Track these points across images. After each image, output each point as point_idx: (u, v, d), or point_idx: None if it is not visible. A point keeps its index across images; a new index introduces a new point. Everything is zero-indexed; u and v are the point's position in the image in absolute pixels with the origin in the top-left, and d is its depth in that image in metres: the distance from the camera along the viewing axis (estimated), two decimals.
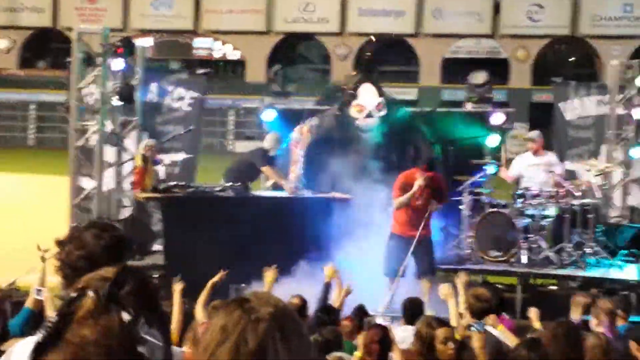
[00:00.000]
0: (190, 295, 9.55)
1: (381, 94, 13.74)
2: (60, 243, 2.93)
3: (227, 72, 48.23)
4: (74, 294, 1.69)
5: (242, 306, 1.92)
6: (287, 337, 1.91)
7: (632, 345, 6.29)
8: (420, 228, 11.14)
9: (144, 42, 30.10)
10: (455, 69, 39.31)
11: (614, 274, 12.03)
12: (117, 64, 13.01)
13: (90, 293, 1.65)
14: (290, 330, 1.93)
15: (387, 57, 45.19)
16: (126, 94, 12.98)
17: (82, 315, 1.63)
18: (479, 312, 7.09)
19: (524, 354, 5.42)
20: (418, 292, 9.84)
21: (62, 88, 27.51)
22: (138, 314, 1.66)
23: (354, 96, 13.49)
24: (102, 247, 2.77)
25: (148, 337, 1.69)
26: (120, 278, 1.66)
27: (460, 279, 8.11)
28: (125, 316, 1.64)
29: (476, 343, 5.86)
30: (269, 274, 8.10)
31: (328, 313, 7.65)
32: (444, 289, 7.92)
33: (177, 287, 7.72)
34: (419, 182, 11.10)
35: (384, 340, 6.03)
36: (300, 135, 13.50)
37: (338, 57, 45.69)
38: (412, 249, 11.05)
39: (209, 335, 1.92)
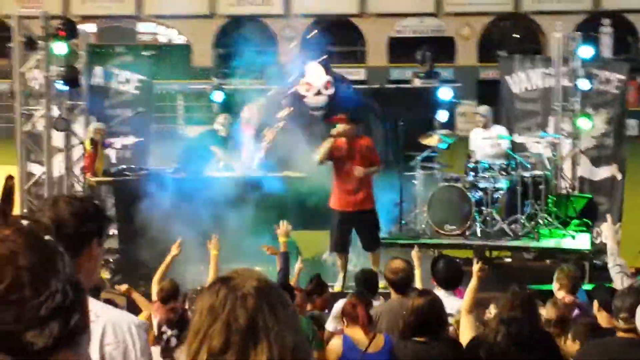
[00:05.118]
0: (145, 278, 9.46)
1: (329, 72, 13.71)
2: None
3: (173, 57, 47.69)
4: None
5: (227, 284, 1.96)
6: (274, 308, 1.95)
7: (595, 304, 6.34)
8: (359, 200, 11.07)
9: (87, 28, 29.68)
10: (402, 49, 39.34)
11: (567, 243, 12.16)
12: (60, 47, 12.76)
13: None
14: (275, 301, 1.97)
15: (333, 38, 44.96)
16: (71, 78, 12.74)
17: None
18: (400, 285, 7.07)
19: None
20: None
21: (4, 77, 26.87)
22: None
23: (301, 75, 13.46)
24: (70, 214, 2.90)
25: None
26: None
27: (415, 254, 8.07)
28: None
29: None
30: (212, 246, 7.89)
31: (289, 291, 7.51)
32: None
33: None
34: (333, 130, 11.00)
35: (368, 306, 6.04)
36: (250, 115, 13.42)
37: (284, 39, 45.44)
38: (354, 223, 11.03)
39: (198, 317, 1.95)
